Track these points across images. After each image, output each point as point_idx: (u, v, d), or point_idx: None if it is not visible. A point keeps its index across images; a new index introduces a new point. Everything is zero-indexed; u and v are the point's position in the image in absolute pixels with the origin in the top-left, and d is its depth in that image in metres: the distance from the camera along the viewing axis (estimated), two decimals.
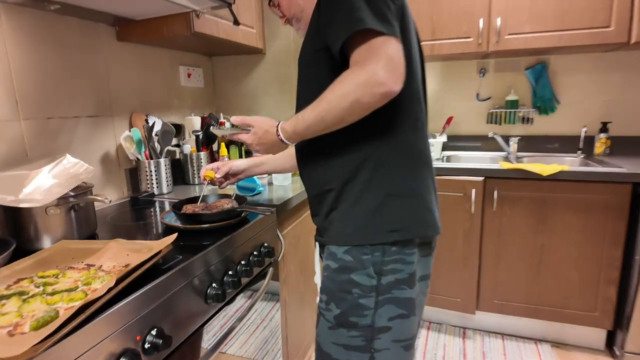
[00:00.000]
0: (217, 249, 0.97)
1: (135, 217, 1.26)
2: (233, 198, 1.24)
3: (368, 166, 0.86)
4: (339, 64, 0.81)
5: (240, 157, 1.81)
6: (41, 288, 0.73)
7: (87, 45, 1.33)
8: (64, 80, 1.26)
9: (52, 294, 0.70)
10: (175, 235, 0.88)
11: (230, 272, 1.01)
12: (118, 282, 0.69)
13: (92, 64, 1.36)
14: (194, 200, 1.22)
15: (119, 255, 0.86)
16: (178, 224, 1.08)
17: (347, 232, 0.88)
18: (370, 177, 0.86)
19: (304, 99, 0.95)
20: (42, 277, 0.78)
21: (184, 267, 0.85)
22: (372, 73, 0.74)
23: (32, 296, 0.69)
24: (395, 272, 0.86)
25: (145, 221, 1.21)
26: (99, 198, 0.92)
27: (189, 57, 1.86)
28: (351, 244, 0.88)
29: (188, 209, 1.13)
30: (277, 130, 0.91)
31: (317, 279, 1.08)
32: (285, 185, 1.60)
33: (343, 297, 0.88)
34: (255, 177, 1.42)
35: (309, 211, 1.67)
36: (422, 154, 0.89)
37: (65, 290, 0.71)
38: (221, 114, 1.90)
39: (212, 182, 1.24)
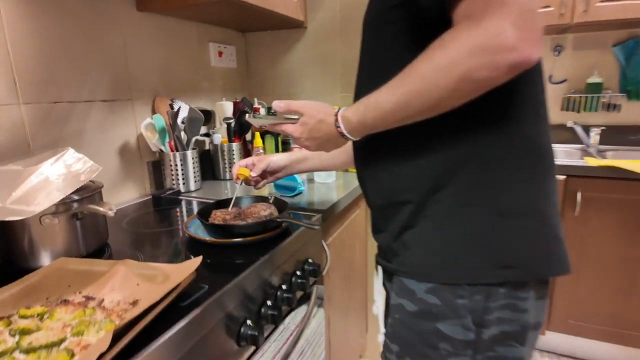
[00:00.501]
0: (253, 273, 0.75)
1: (156, 221, 1.06)
2: (271, 201, 1.01)
3: (467, 170, 0.61)
4: (431, 24, 0.56)
5: (277, 149, 1.58)
6: (16, 338, 0.53)
7: (101, 15, 1.12)
8: (73, 57, 1.06)
9: (28, 351, 0.50)
10: (198, 260, 0.66)
11: (268, 303, 0.78)
12: (116, 336, 0.48)
13: (107, 38, 1.15)
14: (224, 203, 1.00)
15: (127, 284, 0.65)
16: (205, 235, 0.87)
17: (433, 263, 0.64)
18: (470, 185, 0.61)
19: (371, 76, 0.69)
20: (23, 316, 0.58)
21: (210, 304, 0.63)
22: (497, 32, 0.48)
23: (1, 354, 0.49)
24: (502, 323, 0.61)
25: (168, 228, 1.00)
26: (101, 209, 0.71)
27: (220, 32, 1.63)
28: (439, 281, 0.63)
29: (217, 216, 0.91)
30: (337, 119, 0.67)
31: (378, 310, 0.85)
32: (329, 182, 1.36)
33: (425, 353, 0.64)
34: (296, 175, 1.19)
35: (356, 213, 1.43)
36: (546, 154, 0.62)
37: (45, 347, 0.50)
38: (255, 99, 1.67)
39: (246, 181, 1.01)
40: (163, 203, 1.20)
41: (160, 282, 0.64)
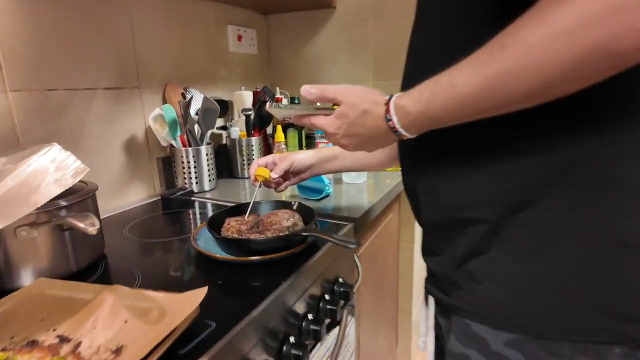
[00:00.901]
0: (274, 302, 0.60)
1: (163, 228, 0.92)
2: (294, 207, 0.86)
3: (570, 182, 0.44)
4: None
5: (300, 144, 1.42)
6: None
7: None
8: (71, 38, 0.92)
9: None
10: (203, 293, 0.51)
11: (291, 340, 0.63)
12: None
13: (111, 19, 1.01)
14: (239, 210, 0.85)
15: (114, 321, 0.51)
16: (216, 250, 0.72)
17: (515, 306, 0.47)
18: (573, 203, 0.44)
19: (433, 54, 0.53)
20: None
21: (218, 352, 0.48)
22: None
23: None
24: None
25: (175, 237, 0.86)
26: (80, 225, 0.57)
27: (239, 14, 1.48)
28: (525, 331, 0.46)
29: (231, 226, 0.76)
30: (388, 110, 0.50)
31: (427, 351, 0.68)
32: (359, 183, 1.20)
33: None
34: (323, 175, 1.03)
35: (389, 218, 1.26)
36: None
37: None
38: (277, 89, 1.51)
39: (266, 183, 0.86)
40: (173, 205, 1.06)
41: (154, 322, 0.49)
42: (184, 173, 1.13)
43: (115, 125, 1.04)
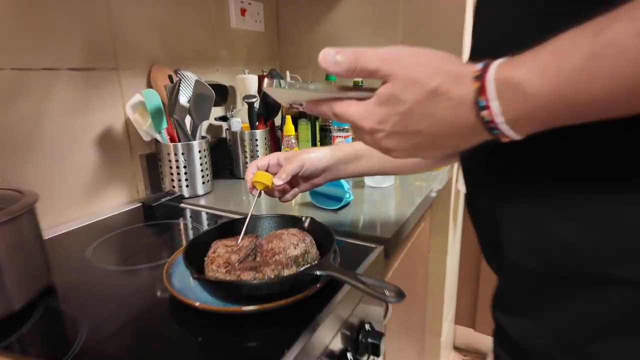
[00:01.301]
0: None
1: (137, 249, 0.72)
2: (306, 225, 0.65)
3: None
4: None
5: (314, 139, 1.20)
6: None
7: None
8: (23, 7, 0.72)
9: None
10: None
11: None
12: None
13: None
14: (231, 228, 0.64)
15: None
16: (195, 294, 0.52)
17: None
18: None
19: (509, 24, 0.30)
20: None
21: None
22: None
23: None
24: None
25: (150, 264, 0.66)
26: None
27: None
28: None
29: (218, 255, 0.56)
30: (484, 87, 0.28)
31: None
32: (385, 187, 0.98)
33: None
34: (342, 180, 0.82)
35: (420, 228, 1.04)
36: None
37: None
38: (287, 73, 1.29)
39: (268, 191, 0.65)
40: (157, 214, 0.86)
41: None
42: (172, 174, 0.92)
43: (85, 116, 0.84)
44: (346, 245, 0.68)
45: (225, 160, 1.13)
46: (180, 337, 0.48)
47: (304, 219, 0.66)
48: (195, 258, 0.57)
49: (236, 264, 0.55)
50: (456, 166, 1.24)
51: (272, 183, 0.63)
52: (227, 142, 1.11)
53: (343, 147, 0.68)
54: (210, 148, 0.98)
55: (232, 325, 0.48)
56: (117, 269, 0.64)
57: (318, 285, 0.52)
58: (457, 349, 1.58)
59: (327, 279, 0.53)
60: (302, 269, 0.54)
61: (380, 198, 0.91)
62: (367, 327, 0.61)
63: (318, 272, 0.50)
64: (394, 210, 0.82)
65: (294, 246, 0.57)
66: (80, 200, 0.85)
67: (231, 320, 0.49)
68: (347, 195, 0.82)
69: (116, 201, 0.92)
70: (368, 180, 0.99)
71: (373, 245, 0.68)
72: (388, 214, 0.81)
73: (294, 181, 0.68)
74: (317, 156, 0.66)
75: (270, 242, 0.58)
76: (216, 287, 0.50)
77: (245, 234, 0.61)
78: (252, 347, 0.46)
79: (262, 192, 0.65)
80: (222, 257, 0.56)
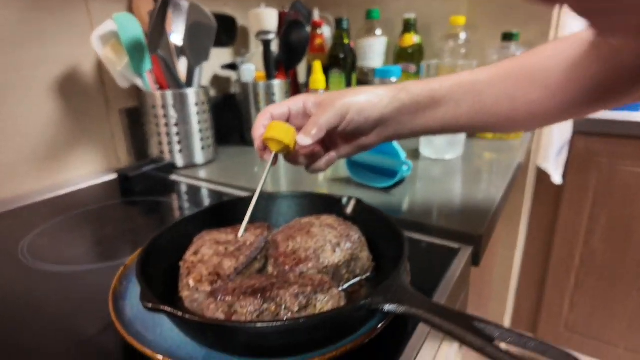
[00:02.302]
0: None
1: (98, 239, 0.49)
2: (348, 211, 0.40)
3: None
4: None
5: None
6: None
7: None
8: None
9: None
10: None
11: None
12: None
13: None
14: (228, 212, 0.40)
15: None
16: (161, 337, 0.28)
17: None
18: None
19: None
20: None
21: None
22: None
23: None
24: None
25: (113, 261, 0.43)
26: None
27: None
28: None
29: (201, 263, 0.32)
30: None
31: None
32: (449, 160, 0.72)
33: None
34: (394, 143, 0.56)
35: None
36: None
37: None
38: (316, 11, 1.01)
39: (288, 155, 0.41)
40: (137, 188, 0.63)
41: None
42: (159, 135, 0.68)
43: (36, 52, 0.61)
44: (410, 243, 0.43)
45: (234, 122, 0.88)
46: None
47: (345, 200, 0.41)
48: (162, 264, 0.33)
49: (231, 277, 0.31)
50: (538, 138, 0.97)
51: (296, 142, 0.38)
52: (235, 98, 0.86)
53: (410, 86, 0.42)
54: (214, 106, 0.74)
55: None
56: (54, 269, 0.41)
57: (379, 327, 0.28)
58: None
59: (394, 315, 0.28)
60: (344, 286, 0.30)
61: (442, 176, 0.65)
62: None
63: (388, 308, 0.25)
64: (471, 192, 0.57)
65: (333, 247, 0.33)
66: (34, 168, 0.62)
67: None
68: (404, 166, 0.56)
69: (86, 170, 0.69)
70: (425, 150, 0.73)
71: (455, 246, 0.43)
72: (463, 197, 0.55)
73: (330, 140, 0.43)
74: (368, 100, 0.40)
75: (290, 239, 0.34)
76: (190, 328, 0.27)
77: (249, 222, 0.37)
78: None
79: (280, 156, 0.40)
80: (207, 264, 0.32)
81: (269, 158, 0.39)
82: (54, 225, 0.52)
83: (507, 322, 1.20)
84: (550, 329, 1.22)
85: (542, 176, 1.04)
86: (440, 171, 0.67)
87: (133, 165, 0.66)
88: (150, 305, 0.25)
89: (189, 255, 0.33)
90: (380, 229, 0.36)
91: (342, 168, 0.67)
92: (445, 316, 0.23)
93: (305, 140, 0.37)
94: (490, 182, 0.60)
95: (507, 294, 1.03)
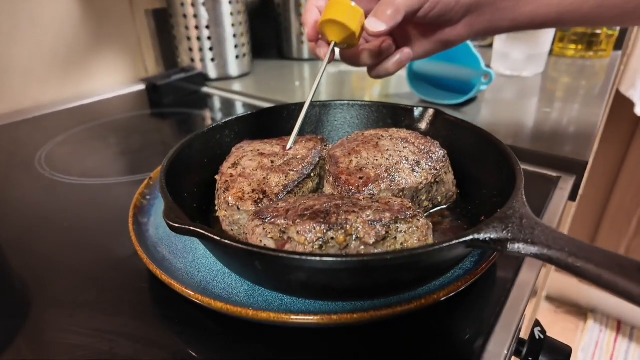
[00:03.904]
0: None
1: (122, 152, 0.43)
2: (423, 122, 0.31)
3: None
4: None
5: None
6: None
7: None
8: None
9: None
10: None
11: None
12: None
13: None
14: (275, 121, 0.33)
15: None
16: (193, 270, 0.22)
17: None
18: None
19: None
20: None
21: None
22: None
23: None
24: None
25: (138, 175, 0.37)
26: None
27: None
28: None
29: (242, 177, 0.25)
30: None
31: None
32: (526, 77, 0.60)
33: None
34: (471, 46, 0.45)
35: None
36: None
37: None
38: None
39: (347, 51, 0.31)
40: (165, 100, 0.56)
41: None
42: (189, 39, 0.60)
43: None
44: None
45: (271, 34, 0.78)
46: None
47: (419, 111, 0.32)
48: (194, 177, 0.27)
49: (279, 197, 0.24)
50: (627, 60, 0.81)
51: (363, 28, 0.29)
52: (274, 6, 0.75)
53: None
54: (250, 12, 0.64)
55: (267, 345, 0.19)
56: (75, 182, 0.36)
57: (480, 269, 0.20)
58: (549, 298, 1.29)
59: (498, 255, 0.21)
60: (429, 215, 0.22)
61: (520, 94, 0.54)
62: (537, 333, 0.31)
63: (517, 249, 0.17)
64: (561, 115, 0.46)
65: (411, 166, 0.25)
66: (55, 75, 0.56)
67: (265, 333, 0.20)
68: (483, 77, 0.45)
69: (113, 79, 0.63)
70: (499, 65, 0.61)
71: (553, 174, 0.34)
72: (554, 119, 0.45)
73: (403, 33, 0.33)
74: None
75: (354, 154, 0.26)
76: (229, 256, 0.20)
77: (300, 134, 0.29)
78: None
79: (340, 50, 0.31)
80: (249, 179, 0.25)
81: (324, 54, 0.30)
82: (76, 134, 0.46)
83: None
84: None
85: (618, 106, 0.90)
86: (517, 90, 0.56)
87: (162, 74, 0.59)
88: (176, 224, 0.19)
89: (226, 168, 0.26)
90: (468, 147, 0.28)
91: (400, 82, 0.57)
92: (613, 268, 0.15)
93: (378, 25, 0.28)
94: (583, 104, 0.49)
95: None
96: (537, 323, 0.32)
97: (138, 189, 0.28)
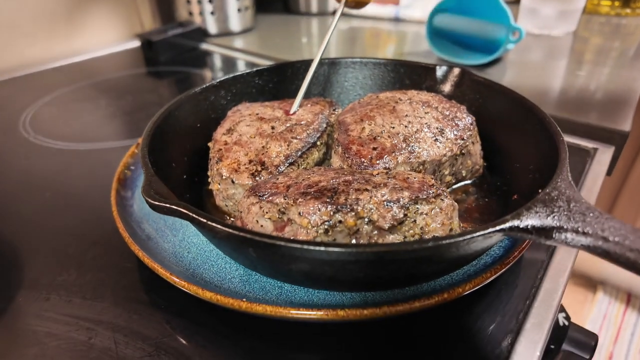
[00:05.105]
0: None
1: (111, 114, 0.40)
2: (448, 83, 0.28)
3: None
4: None
5: None
6: None
7: None
8: None
9: None
10: None
11: None
12: None
13: None
14: (278, 80, 0.29)
15: None
16: (182, 247, 0.19)
17: None
18: None
19: None
20: None
21: None
22: None
23: None
24: None
25: (129, 140, 0.34)
26: None
27: None
28: None
29: (238, 145, 0.22)
30: None
31: None
32: (556, 36, 0.54)
33: None
34: (501, 1, 0.40)
35: None
36: None
37: None
38: None
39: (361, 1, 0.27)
40: (162, 57, 0.52)
41: None
42: None
43: None
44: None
45: None
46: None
47: (443, 70, 0.28)
48: (185, 146, 0.24)
49: (280, 169, 0.21)
50: None
51: None
52: None
53: None
54: None
55: (262, 339, 0.17)
56: (61, 147, 0.33)
57: (515, 256, 0.17)
58: None
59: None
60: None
61: (549, 55, 0.49)
62: (561, 319, 0.28)
63: (566, 239, 0.14)
64: (596, 79, 0.41)
65: (434, 134, 0.21)
66: (43, 28, 0.52)
67: (262, 325, 0.17)
68: (512, 34, 0.40)
69: (106, 36, 0.58)
70: (526, 22, 0.56)
71: (590, 145, 0.30)
72: (587, 84, 0.40)
73: None
74: None
75: (367, 120, 0.23)
76: (221, 238, 0.17)
77: (306, 96, 0.26)
78: None
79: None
80: (246, 147, 0.22)
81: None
82: (64, 95, 0.43)
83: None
84: None
85: None
86: (546, 51, 0.50)
87: (158, 29, 0.54)
88: (156, 201, 0.16)
89: (220, 134, 0.23)
90: (500, 112, 0.24)
91: (418, 39, 0.52)
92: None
93: None
94: (620, 67, 0.44)
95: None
96: (561, 308, 0.29)
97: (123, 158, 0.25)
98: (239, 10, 0.57)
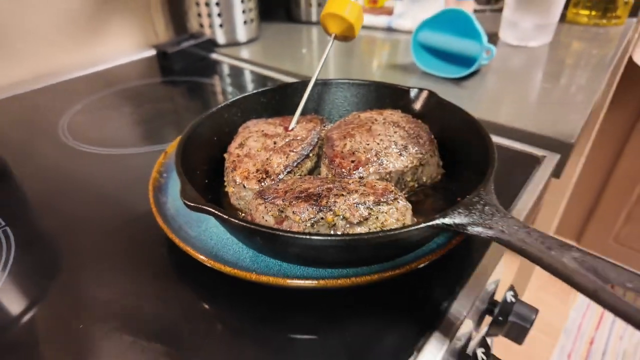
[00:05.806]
0: None
1: (137, 121, 0.46)
2: (417, 103, 0.34)
3: None
4: None
5: None
6: None
7: None
8: None
9: None
10: None
11: None
12: None
13: None
14: (280, 99, 0.35)
15: None
16: (210, 238, 0.26)
17: None
18: None
19: None
20: None
21: None
22: None
23: None
24: None
25: (155, 146, 0.40)
26: None
27: None
28: None
29: (247, 157, 0.28)
30: None
31: None
32: (534, 47, 0.60)
33: None
34: (475, 22, 0.46)
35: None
36: None
37: None
38: None
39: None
40: (176, 67, 0.58)
41: None
42: (198, 4, 0.60)
43: None
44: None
45: None
46: (188, 307, 0.24)
47: (415, 92, 0.34)
48: (204, 153, 0.30)
49: (280, 176, 0.27)
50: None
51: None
52: None
53: None
54: None
55: (268, 302, 0.23)
56: (95, 151, 0.39)
57: (453, 243, 0.24)
58: None
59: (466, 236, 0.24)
60: (407, 194, 0.25)
61: (526, 66, 0.55)
62: (509, 296, 0.34)
63: (475, 231, 0.20)
64: (560, 90, 0.47)
65: (399, 150, 0.28)
66: (65, 42, 0.58)
67: (267, 293, 0.24)
68: (485, 52, 0.46)
69: (124, 44, 0.64)
70: (506, 34, 0.61)
71: (539, 153, 0.36)
72: (551, 94, 0.46)
73: None
74: None
75: (348, 138, 0.29)
76: (236, 230, 0.24)
77: (302, 112, 0.32)
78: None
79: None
80: (254, 159, 0.28)
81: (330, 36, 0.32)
82: (92, 102, 0.49)
83: (552, 229, 1.17)
84: (598, 239, 1.18)
85: (630, 73, 0.88)
86: (523, 61, 0.56)
87: (171, 40, 0.60)
88: (192, 204, 0.22)
89: (234, 148, 0.29)
90: (456, 129, 0.30)
91: (404, 53, 0.58)
92: (551, 250, 0.18)
93: None
94: (584, 77, 0.50)
95: (561, 199, 0.97)
96: (511, 287, 0.36)
97: (153, 162, 0.31)
98: (245, 22, 0.63)
